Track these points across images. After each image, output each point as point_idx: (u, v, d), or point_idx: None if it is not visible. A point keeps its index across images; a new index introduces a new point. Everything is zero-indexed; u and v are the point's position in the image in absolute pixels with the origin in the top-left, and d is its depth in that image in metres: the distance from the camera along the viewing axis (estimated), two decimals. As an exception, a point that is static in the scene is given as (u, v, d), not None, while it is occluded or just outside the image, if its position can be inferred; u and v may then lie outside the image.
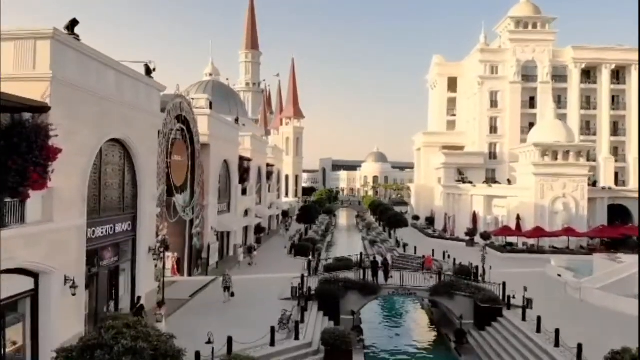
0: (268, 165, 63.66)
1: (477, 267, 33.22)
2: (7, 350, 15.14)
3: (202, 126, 33.68)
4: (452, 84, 79.34)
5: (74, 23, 18.62)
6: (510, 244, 48.73)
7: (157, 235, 25.95)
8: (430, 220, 72.98)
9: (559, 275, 35.09)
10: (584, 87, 67.11)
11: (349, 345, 20.34)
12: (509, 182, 59.93)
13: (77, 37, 18.43)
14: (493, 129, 67.63)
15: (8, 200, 14.42)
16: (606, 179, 63.68)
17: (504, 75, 67.00)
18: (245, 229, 47.20)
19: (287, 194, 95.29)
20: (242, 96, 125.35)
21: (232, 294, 25.41)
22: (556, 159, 50.84)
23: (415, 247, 46.99)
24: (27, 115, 15.67)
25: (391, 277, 28.82)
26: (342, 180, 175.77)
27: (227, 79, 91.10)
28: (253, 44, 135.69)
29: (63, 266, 17.06)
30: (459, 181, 64.03)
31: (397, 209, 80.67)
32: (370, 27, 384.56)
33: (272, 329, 19.40)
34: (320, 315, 24.97)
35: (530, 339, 22.06)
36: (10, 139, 14.34)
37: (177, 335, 20.44)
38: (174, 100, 28.42)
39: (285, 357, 19.31)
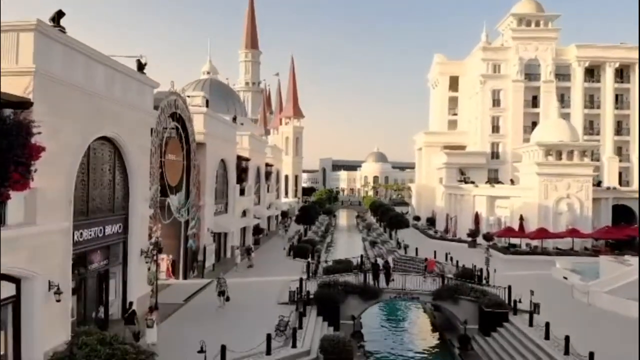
0: (267, 165, 62.72)
1: (480, 270, 32.27)
2: (-13, 359, 14.27)
3: (198, 124, 32.76)
4: (454, 83, 78.34)
5: (59, 14, 17.72)
6: (514, 245, 47.80)
7: (150, 237, 25.02)
8: (432, 221, 72.01)
9: (565, 278, 34.20)
10: (587, 86, 66.11)
11: (349, 354, 19.41)
12: (512, 182, 58.98)
13: (62, 30, 17.52)
14: (495, 129, 66.66)
15: (-14, 201, 13.52)
16: (610, 179, 62.74)
17: (506, 74, 66.02)
18: (243, 230, 46.26)
19: (286, 194, 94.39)
20: (241, 96, 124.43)
21: (227, 299, 24.41)
22: (560, 158, 49.94)
23: (416, 249, 46.04)
24: (8, 111, 14.73)
25: (392, 280, 27.87)
26: (342, 180, 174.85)
27: (227, 79, 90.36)
28: (253, 43, 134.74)
29: (47, 271, 16.16)
30: (461, 181, 63.08)
31: (398, 209, 79.78)
32: (371, 27, 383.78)
33: (268, 337, 18.46)
34: (320, 320, 24.02)
35: (539, 346, 21.14)
36: (-10, 136, 13.42)
37: (169, 343, 19.69)
38: (168, 97, 27.48)
39: (282, 366, 18.41)
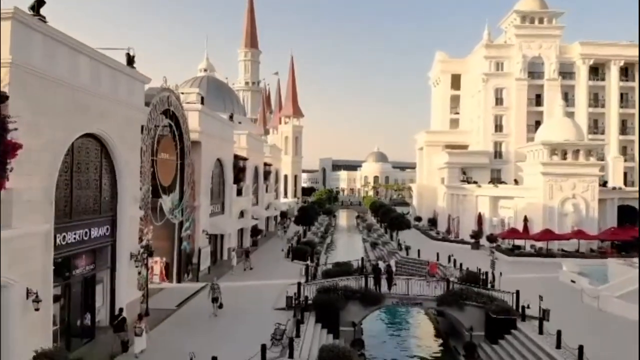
0: (266, 164, 61.55)
1: (485, 273, 31.08)
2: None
3: (193, 122, 31.56)
4: (456, 81, 77.15)
5: (39, 3, 16.55)
6: (518, 247, 46.65)
7: (141, 240, 23.86)
8: (433, 222, 70.89)
9: (573, 282, 33.07)
10: (591, 84, 64.97)
11: (349, 364, 18.20)
12: (516, 182, 57.81)
13: (43, 19, 16.37)
14: (498, 128, 65.49)
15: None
16: (615, 179, 61.59)
17: (509, 72, 64.84)
18: (241, 231, 45.10)
19: (286, 195, 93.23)
20: (241, 95, 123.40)
21: (221, 305, 23.17)
22: (565, 158, 48.76)
23: (418, 250, 44.89)
24: (-19, 106, 13.66)
25: (395, 284, 26.69)
26: (342, 180, 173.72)
27: (227, 78, 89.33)
28: (252, 42, 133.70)
29: (25, 278, 15.03)
30: (463, 181, 61.92)
31: (398, 209, 78.62)
32: (371, 26, 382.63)
33: (263, 348, 17.29)
34: (318, 327, 22.86)
35: (550, 355, 19.99)
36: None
37: (158, 353, 18.55)
38: (160, 93, 26.29)
39: (278, 379, 17.26)
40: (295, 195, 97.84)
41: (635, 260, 34.54)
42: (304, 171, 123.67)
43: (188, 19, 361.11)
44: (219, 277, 32.61)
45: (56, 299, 18.05)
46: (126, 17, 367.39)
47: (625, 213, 54.00)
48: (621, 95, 65.16)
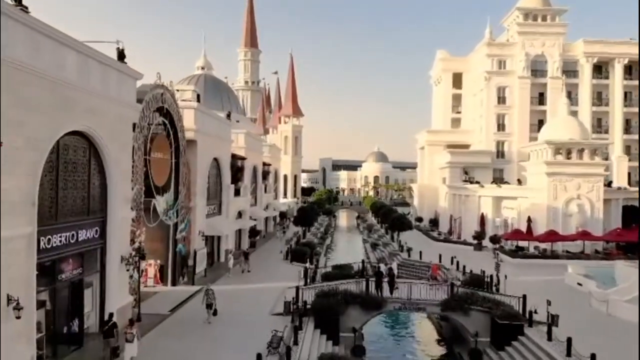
0: (264, 164, 60.64)
1: (490, 276, 30.12)
2: None
3: (188, 120, 30.66)
4: (457, 80, 76.15)
5: (22, -7, 15.64)
6: (521, 248, 45.75)
7: (133, 242, 22.96)
8: (434, 222, 69.95)
9: (579, 284, 32.15)
10: (595, 83, 64.05)
11: (349, 374, 17.32)
12: (519, 182, 56.88)
13: (25, 9, 15.45)
14: (501, 127, 64.57)
15: None
16: (619, 179, 60.67)
17: (512, 70, 63.93)
18: (239, 232, 44.17)
19: (285, 195, 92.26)
20: (240, 95, 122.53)
21: (215, 312, 22.16)
22: (569, 157, 47.82)
23: (420, 252, 43.94)
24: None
25: (397, 288, 25.74)
26: (342, 180, 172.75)
27: (226, 77, 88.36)
28: (252, 41, 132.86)
29: (6, 283, 14.18)
30: (465, 181, 60.97)
31: (399, 209, 77.67)
32: (371, 26, 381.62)
33: (259, 357, 16.35)
34: (317, 334, 21.94)
35: (560, 363, 19.05)
36: None
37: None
38: (153, 90, 25.37)
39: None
40: (295, 196, 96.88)
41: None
42: (303, 171, 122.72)
43: (188, 18, 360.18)
44: (215, 279, 31.86)
45: (41, 304, 17.22)
46: (126, 17, 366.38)
47: (630, 213, 53.03)
48: (625, 93, 64.20)
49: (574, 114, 58.65)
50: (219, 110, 45.31)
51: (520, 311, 23.69)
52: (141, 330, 20.67)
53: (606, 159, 59.25)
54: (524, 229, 47.15)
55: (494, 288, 29.14)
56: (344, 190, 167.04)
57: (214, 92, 54.05)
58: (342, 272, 31.76)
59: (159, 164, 26.70)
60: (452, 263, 38.71)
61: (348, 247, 65.82)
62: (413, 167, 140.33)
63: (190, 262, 30.94)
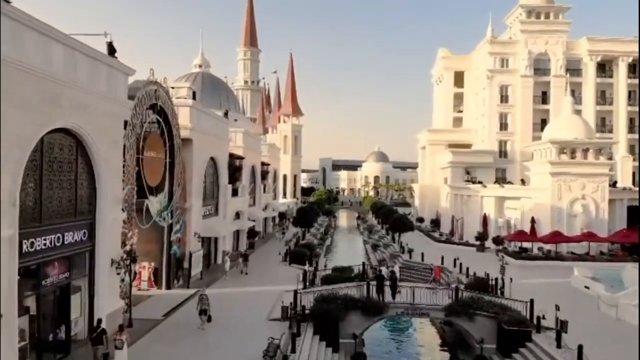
0: (263, 164, 59.69)
1: (495, 279, 29.17)
2: None
3: (184, 118, 29.73)
4: (459, 78, 75.18)
5: (2, -18, 14.72)
6: (525, 250, 44.82)
7: (124, 245, 22.05)
8: (436, 223, 69.00)
9: (587, 288, 31.22)
10: (599, 81, 63.12)
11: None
12: (523, 182, 55.92)
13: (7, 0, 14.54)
14: (503, 126, 63.64)
15: None
16: (623, 179, 59.74)
17: (514, 69, 62.98)
18: (237, 233, 43.24)
19: (285, 195, 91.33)
20: (240, 94, 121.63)
21: (209, 318, 21.18)
22: (574, 157, 46.89)
23: (422, 254, 43.00)
24: None
25: (399, 292, 24.81)
26: (343, 180, 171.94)
27: (226, 77, 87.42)
28: (252, 41, 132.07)
29: (-17, 289, 13.23)
30: (468, 181, 60.03)
31: (399, 209, 76.72)
32: (371, 25, 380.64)
33: (254, 367, 15.44)
34: (316, 340, 21.01)
35: (571, 373, 18.12)
36: None
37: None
38: (146, 87, 24.43)
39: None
40: (294, 196, 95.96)
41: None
42: (303, 171, 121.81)
43: (187, 18, 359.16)
44: (211, 282, 30.98)
45: (25, 311, 16.33)
46: (126, 17, 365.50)
47: (635, 214, 52.06)
48: (629, 92, 63.25)
49: (578, 113, 57.76)
50: (217, 108, 44.44)
51: (528, 316, 22.75)
52: (133, 336, 19.84)
53: (610, 158, 58.40)
54: (527, 229, 46.27)
55: (499, 291, 28.21)
56: (344, 191, 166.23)
57: (211, 90, 53.11)
58: (342, 275, 30.86)
59: (153, 163, 25.76)
60: (454, 265, 37.81)
61: (348, 248, 64.91)
62: (413, 167, 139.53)
63: (186, 265, 30.02)
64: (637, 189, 55.86)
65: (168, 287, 28.53)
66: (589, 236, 43.30)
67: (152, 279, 28.41)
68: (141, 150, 24.31)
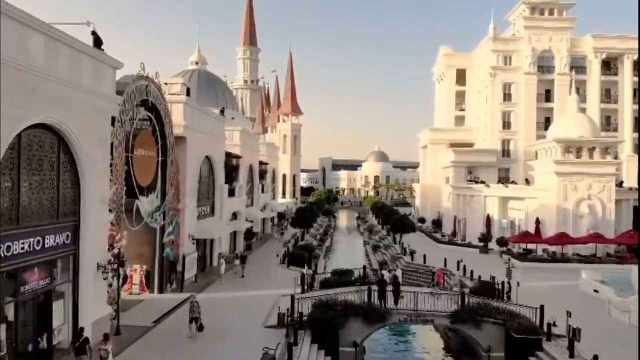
0: (262, 163, 58.53)
1: (502, 283, 27.98)
2: None
3: (177, 116, 28.56)
4: (461, 76, 73.97)
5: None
6: (530, 252, 43.61)
7: (113, 248, 20.89)
8: (438, 224, 67.81)
9: (596, 292, 30.05)
10: (604, 80, 61.93)
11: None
12: (528, 182, 54.71)
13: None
14: (506, 125, 62.46)
15: None
16: (629, 179, 58.50)
17: (518, 66, 61.77)
18: (234, 234, 42.06)
19: (284, 195, 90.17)
20: (240, 94, 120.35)
21: (201, 327, 19.94)
22: (580, 156, 45.69)
23: (424, 256, 41.80)
24: None
25: (402, 297, 23.62)
26: (343, 180, 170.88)
27: (225, 76, 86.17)
28: (252, 40, 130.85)
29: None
30: (471, 181, 58.83)
31: (400, 210, 75.49)
32: (371, 25, 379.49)
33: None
34: (315, 349, 19.84)
35: (586, 386, 16.95)
36: None
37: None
38: (136, 82, 23.27)
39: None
40: (294, 196, 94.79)
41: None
42: (303, 171, 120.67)
43: (187, 18, 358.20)
44: (206, 286, 29.87)
45: (2, 320, 15.20)
46: (126, 16, 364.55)
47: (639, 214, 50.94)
48: (634, 90, 62.08)
49: (583, 111, 56.57)
50: (214, 107, 43.21)
51: (538, 323, 21.58)
52: (120, 346, 18.73)
53: (615, 158, 57.23)
54: (532, 231, 45.07)
55: (505, 296, 27.05)
56: (344, 191, 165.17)
57: (208, 88, 51.89)
58: (342, 278, 29.72)
59: (144, 162, 24.60)
60: (458, 268, 36.63)
61: (348, 249, 63.75)
62: (414, 167, 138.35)
63: (180, 268, 28.84)
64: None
65: (161, 291, 27.37)
66: (596, 238, 42.10)
67: (144, 282, 27.27)
68: (131, 148, 23.16)
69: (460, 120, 75.03)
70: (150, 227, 25.70)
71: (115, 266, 20.19)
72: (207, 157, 34.39)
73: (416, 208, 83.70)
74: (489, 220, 51.16)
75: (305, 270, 30.99)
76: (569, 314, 21.39)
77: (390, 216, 58.09)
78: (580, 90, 61.37)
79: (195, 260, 30.72)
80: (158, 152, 26.37)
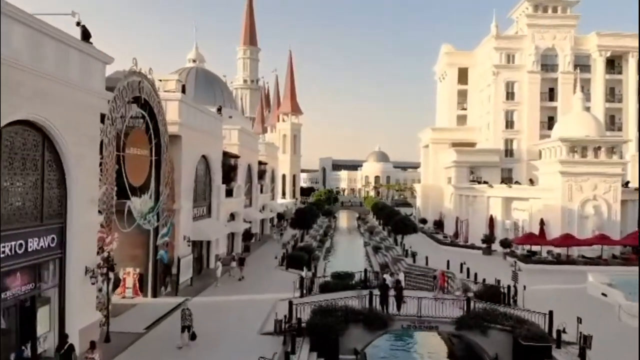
0: (261, 163, 57.59)
1: (508, 287, 27.03)
2: None
3: (172, 113, 27.65)
4: (463, 75, 73.04)
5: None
6: (534, 253, 42.65)
7: (102, 251, 19.98)
8: (439, 224, 66.89)
9: (604, 295, 29.12)
10: (608, 78, 61.03)
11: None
12: (531, 182, 53.78)
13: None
14: (509, 124, 61.56)
15: None
16: (633, 179, 57.54)
17: (521, 65, 60.89)
18: (232, 235, 41.12)
19: (284, 195, 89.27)
20: (239, 93, 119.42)
21: (193, 336, 18.93)
22: (585, 155, 44.74)
23: (426, 257, 40.87)
24: None
25: (404, 302, 22.70)
26: (343, 180, 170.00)
27: (225, 76, 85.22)
28: (251, 39, 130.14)
29: None
30: (473, 181, 57.90)
31: (400, 210, 74.54)
32: (372, 24, 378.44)
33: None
34: (313, 357, 18.90)
35: (600, 397, 16.03)
36: None
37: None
38: (128, 78, 22.35)
39: None
40: (294, 196, 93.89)
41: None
42: (303, 171, 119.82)
43: (187, 18, 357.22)
44: (202, 289, 29.00)
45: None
46: (126, 16, 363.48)
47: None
48: (639, 89, 61.10)
49: (587, 110, 55.74)
50: (212, 105, 42.28)
51: (546, 329, 20.66)
52: (109, 353, 17.86)
53: (620, 157, 56.29)
54: (536, 231, 44.13)
55: (511, 300, 26.12)
56: (344, 191, 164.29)
57: (205, 86, 50.98)
58: (342, 281, 28.78)
59: (136, 161, 23.67)
60: (461, 270, 35.70)
61: (349, 250, 62.83)
62: (414, 167, 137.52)
63: (174, 270, 27.92)
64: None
65: (154, 294, 26.44)
66: (601, 239, 41.17)
67: (137, 286, 26.36)
68: (122, 147, 22.23)
69: (462, 119, 74.12)
70: (143, 228, 24.79)
71: (105, 270, 19.31)
72: (204, 156, 33.47)
73: (417, 208, 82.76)
74: (491, 221, 50.22)
75: (304, 273, 30.08)
76: (579, 320, 20.47)
77: (391, 217, 57.15)
78: (584, 88, 60.36)
79: (191, 262, 29.79)
80: (151, 150, 25.44)
